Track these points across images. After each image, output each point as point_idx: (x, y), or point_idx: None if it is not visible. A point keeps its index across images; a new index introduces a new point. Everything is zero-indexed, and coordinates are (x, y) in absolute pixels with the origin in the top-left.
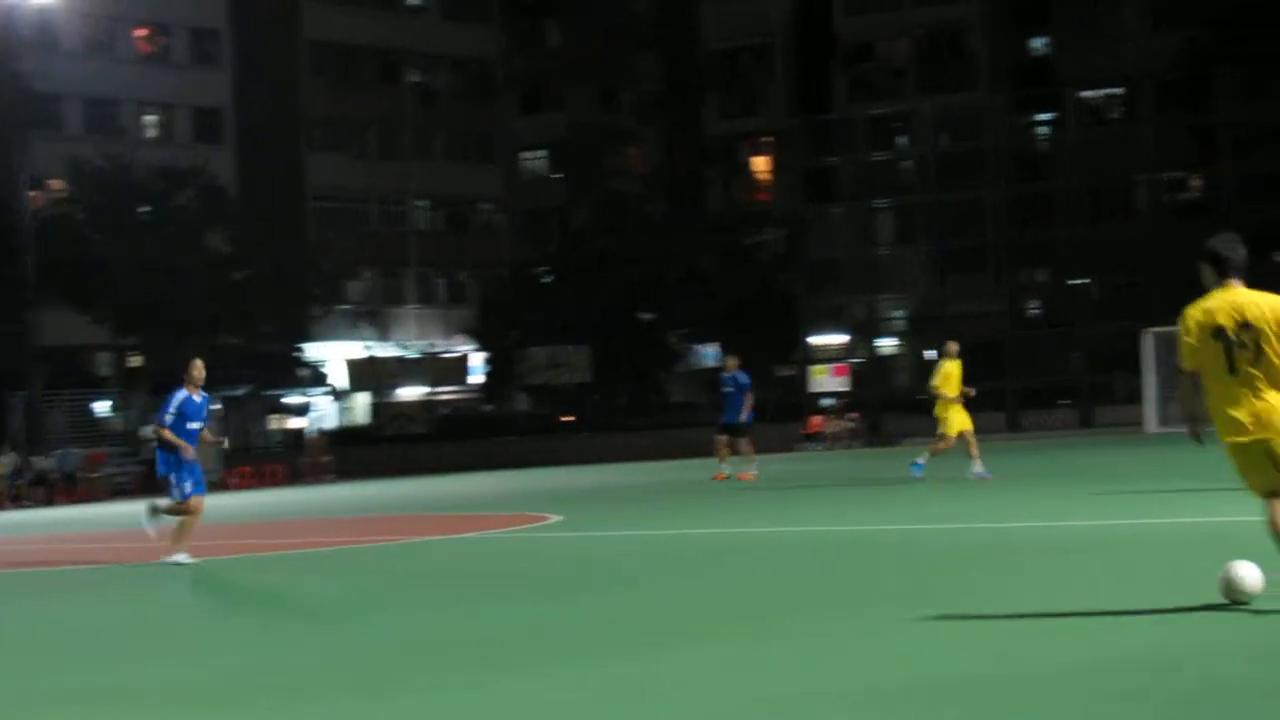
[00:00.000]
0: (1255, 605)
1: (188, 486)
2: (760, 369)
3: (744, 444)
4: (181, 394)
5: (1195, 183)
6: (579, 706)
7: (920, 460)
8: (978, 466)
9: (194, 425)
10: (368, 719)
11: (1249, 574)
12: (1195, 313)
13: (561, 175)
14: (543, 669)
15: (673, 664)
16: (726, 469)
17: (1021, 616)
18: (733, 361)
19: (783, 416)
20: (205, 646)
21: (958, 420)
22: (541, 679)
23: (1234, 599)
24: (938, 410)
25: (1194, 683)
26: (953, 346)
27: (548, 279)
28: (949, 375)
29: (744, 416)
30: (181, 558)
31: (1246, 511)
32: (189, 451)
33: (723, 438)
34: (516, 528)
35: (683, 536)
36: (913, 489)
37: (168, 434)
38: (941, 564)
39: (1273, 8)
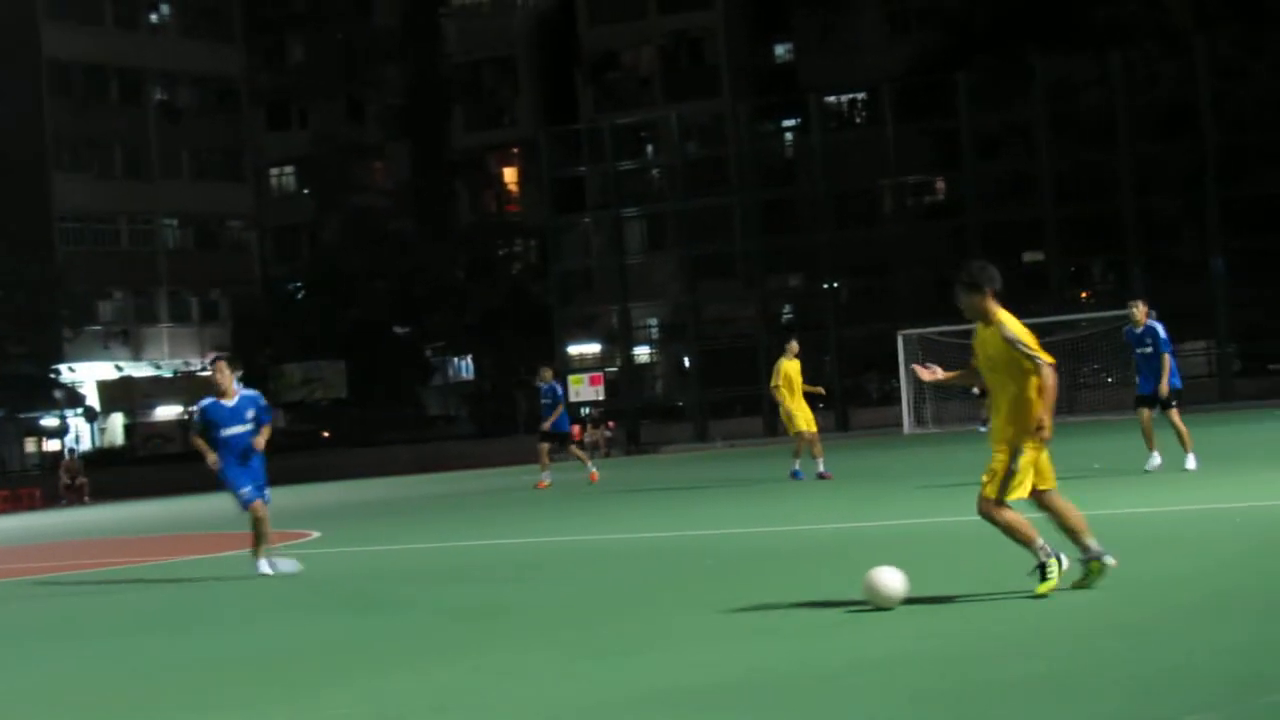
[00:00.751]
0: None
1: (246, 492)
2: (517, 381)
3: (562, 450)
4: (207, 402)
5: (939, 185)
6: None
7: (796, 465)
8: (819, 465)
9: (230, 431)
10: None
11: (888, 580)
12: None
13: (309, 191)
14: (309, 689)
15: (435, 679)
16: (548, 477)
17: (806, 612)
18: (548, 373)
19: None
20: None
21: (802, 417)
22: (307, 699)
23: (876, 605)
24: (781, 411)
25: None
26: (793, 345)
27: (299, 295)
28: (788, 374)
29: (547, 425)
30: (264, 566)
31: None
32: (210, 459)
33: (545, 445)
34: (274, 545)
35: (445, 549)
36: (682, 496)
37: (198, 443)
38: (732, 566)
39: (1005, 12)
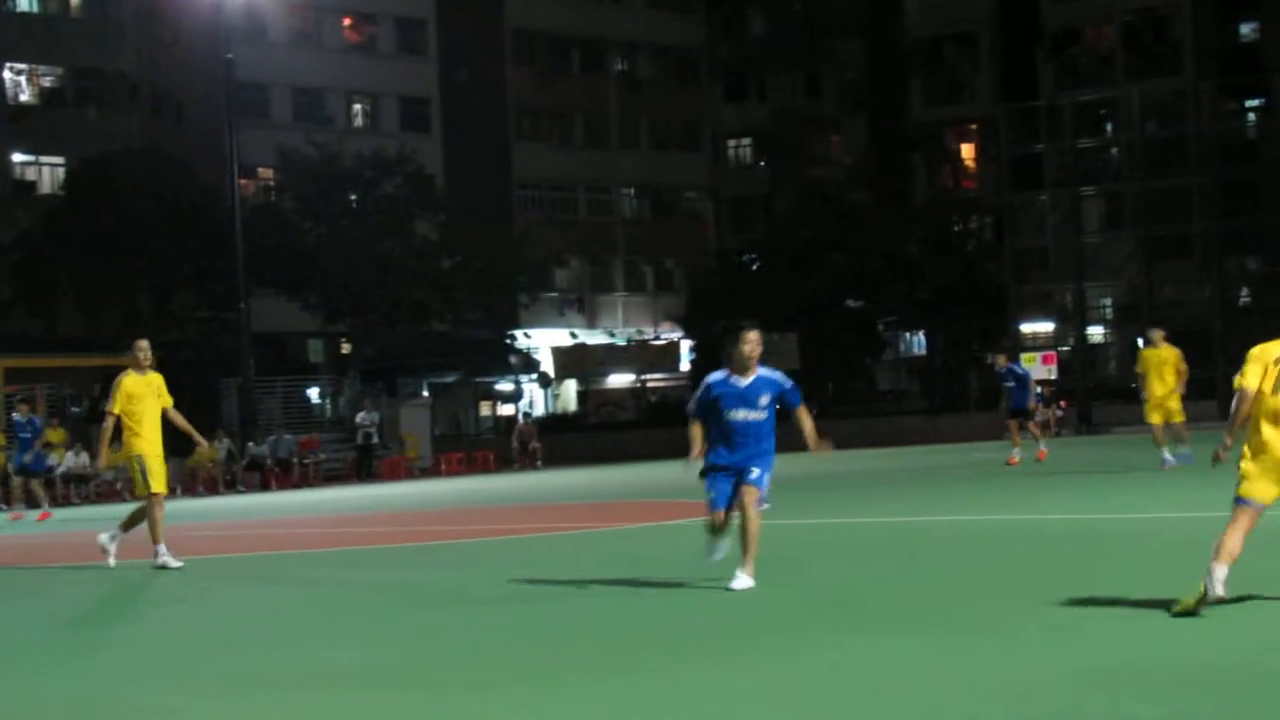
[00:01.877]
0: None
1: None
2: (969, 357)
3: (1032, 426)
4: (716, 377)
5: None
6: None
7: (1183, 450)
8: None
9: (736, 416)
10: (543, 704)
11: None
12: None
13: (765, 163)
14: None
15: (854, 653)
16: (1018, 453)
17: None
18: (1002, 358)
19: (992, 404)
20: (396, 631)
21: (1153, 406)
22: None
23: None
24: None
25: None
26: (1156, 334)
27: (754, 266)
28: (1150, 361)
29: (1031, 403)
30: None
31: None
32: (694, 454)
33: (1012, 422)
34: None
35: (878, 524)
36: (1119, 478)
37: (693, 430)
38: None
39: None
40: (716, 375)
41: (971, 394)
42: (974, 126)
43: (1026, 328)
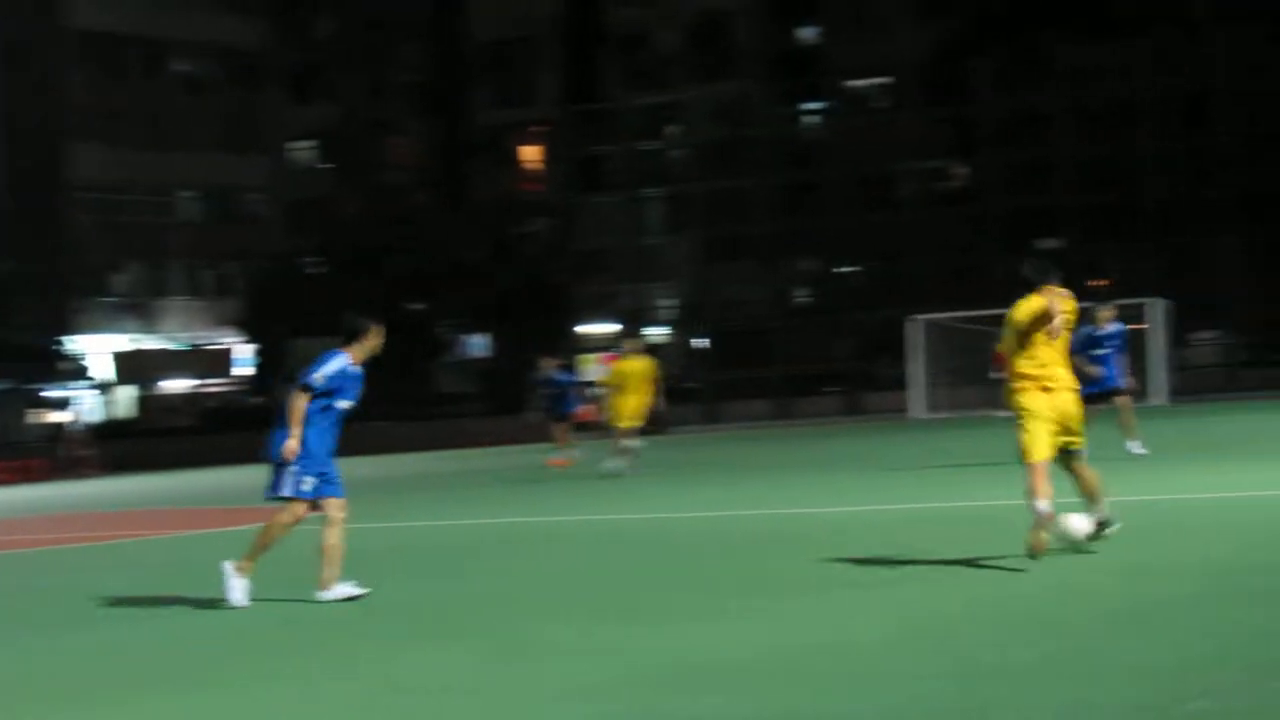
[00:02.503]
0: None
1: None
2: (530, 360)
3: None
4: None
5: (958, 171)
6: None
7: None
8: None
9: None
10: None
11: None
12: None
13: (330, 166)
14: (309, 666)
15: (439, 658)
16: (564, 455)
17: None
18: (551, 363)
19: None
20: None
21: (626, 412)
22: (316, 676)
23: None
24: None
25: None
26: (633, 343)
27: (316, 270)
28: (624, 374)
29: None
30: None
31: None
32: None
33: (559, 426)
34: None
35: (442, 528)
36: (687, 477)
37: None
38: (730, 550)
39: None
40: (345, 356)
41: (534, 395)
42: (538, 129)
43: (589, 329)
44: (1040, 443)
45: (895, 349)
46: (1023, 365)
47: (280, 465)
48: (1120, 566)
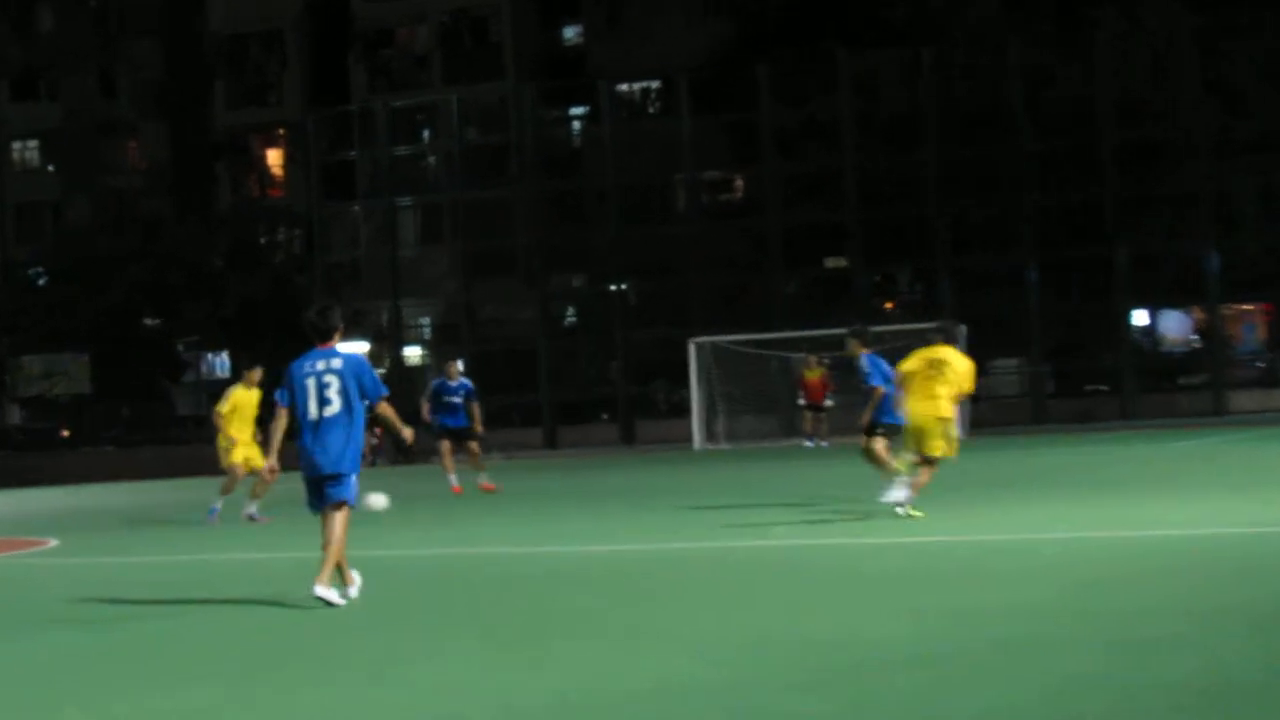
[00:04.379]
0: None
1: None
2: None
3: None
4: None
5: (736, 183)
6: None
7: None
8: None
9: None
10: None
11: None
12: None
13: (55, 168)
14: (46, 709)
15: (154, 710)
16: (455, 479)
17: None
18: (455, 368)
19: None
20: None
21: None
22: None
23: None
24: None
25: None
26: (253, 374)
27: (41, 280)
28: (240, 405)
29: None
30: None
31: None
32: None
33: (446, 443)
34: (7, 554)
35: (193, 563)
36: (435, 510)
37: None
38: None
39: (804, 3)
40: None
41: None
42: (282, 131)
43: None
44: None
45: (673, 373)
46: None
47: (354, 474)
48: (913, 610)
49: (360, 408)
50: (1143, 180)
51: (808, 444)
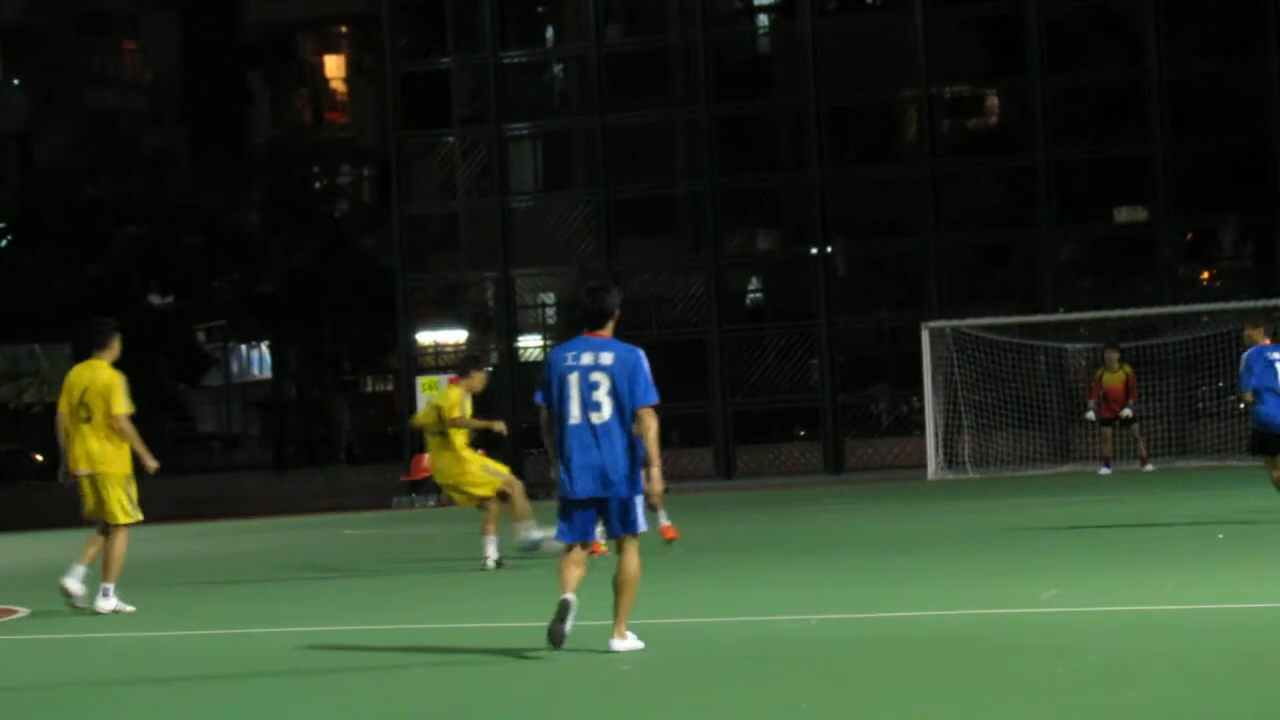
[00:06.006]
0: None
1: None
2: (338, 384)
3: None
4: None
5: (992, 102)
6: None
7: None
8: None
9: None
10: None
11: None
12: None
13: (20, 81)
14: None
15: None
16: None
17: None
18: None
19: (378, 454)
20: None
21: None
22: None
23: None
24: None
25: None
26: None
27: (2, 241)
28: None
29: None
30: None
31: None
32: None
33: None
34: None
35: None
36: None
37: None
38: None
39: None
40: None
41: (343, 438)
42: (343, 29)
43: (427, 337)
44: None
45: (899, 373)
46: None
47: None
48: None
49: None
50: None
51: (1104, 470)
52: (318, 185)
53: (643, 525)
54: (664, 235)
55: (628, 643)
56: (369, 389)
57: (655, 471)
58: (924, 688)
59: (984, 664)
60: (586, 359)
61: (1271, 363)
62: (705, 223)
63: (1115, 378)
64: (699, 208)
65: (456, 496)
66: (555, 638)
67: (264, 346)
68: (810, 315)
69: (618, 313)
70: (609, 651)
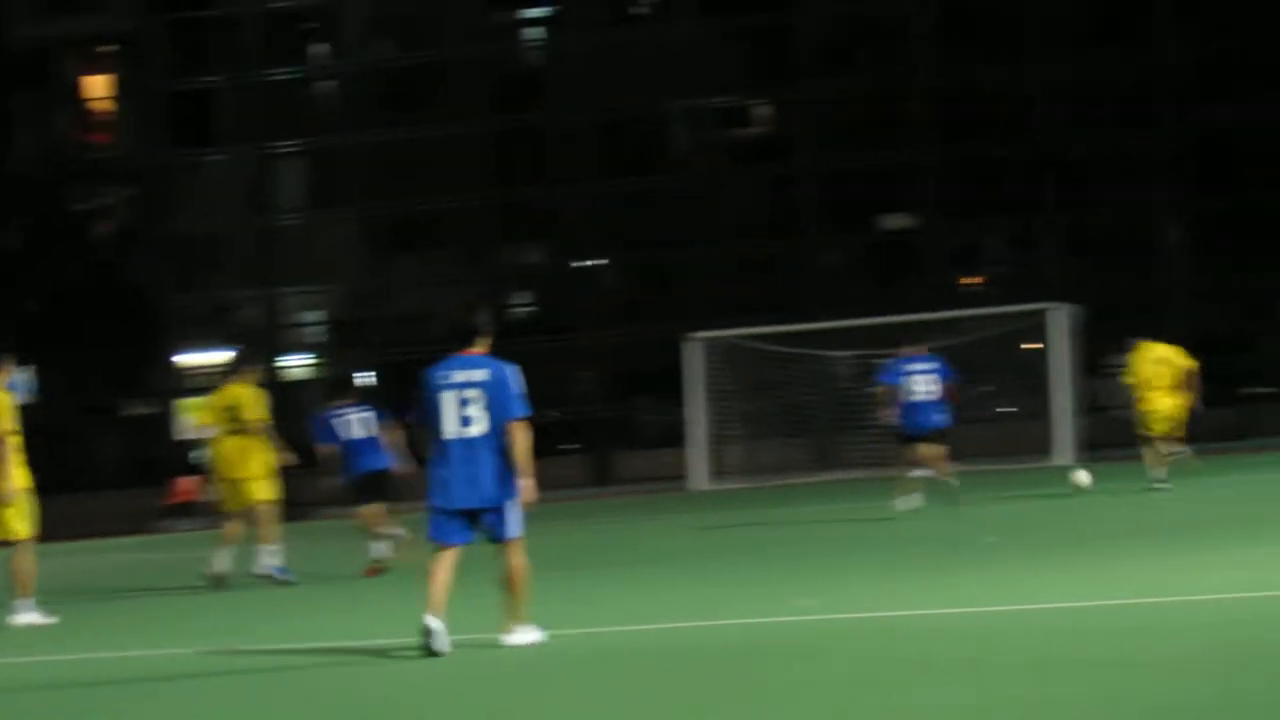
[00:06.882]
0: None
1: None
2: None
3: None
4: None
5: (758, 112)
6: None
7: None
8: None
9: None
10: None
11: None
12: None
13: None
14: None
15: None
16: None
17: None
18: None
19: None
20: None
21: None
22: None
23: None
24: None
25: None
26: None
27: None
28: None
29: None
30: None
31: None
32: None
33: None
34: None
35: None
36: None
37: None
38: None
39: None
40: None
41: (109, 462)
42: (108, 48)
43: (191, 358)
44: None
45: (665, 384)
46: None
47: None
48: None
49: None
50: None
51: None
52: (81, 206)
53: (518, 530)
54: (435, 251)
55: (519, 636)
56: (129, 412)
57: (527, 482)
58: (663, 699)
59: (732, 669)
60: (460, 376)
61: (912, 373)
62: (476, 237)
63: None
64: (469, 223)
65: (232, 497)
66: (433, 652)
67: (29, 372)
68: (578, 328)
69: (490, 330)
70: (500, 646)
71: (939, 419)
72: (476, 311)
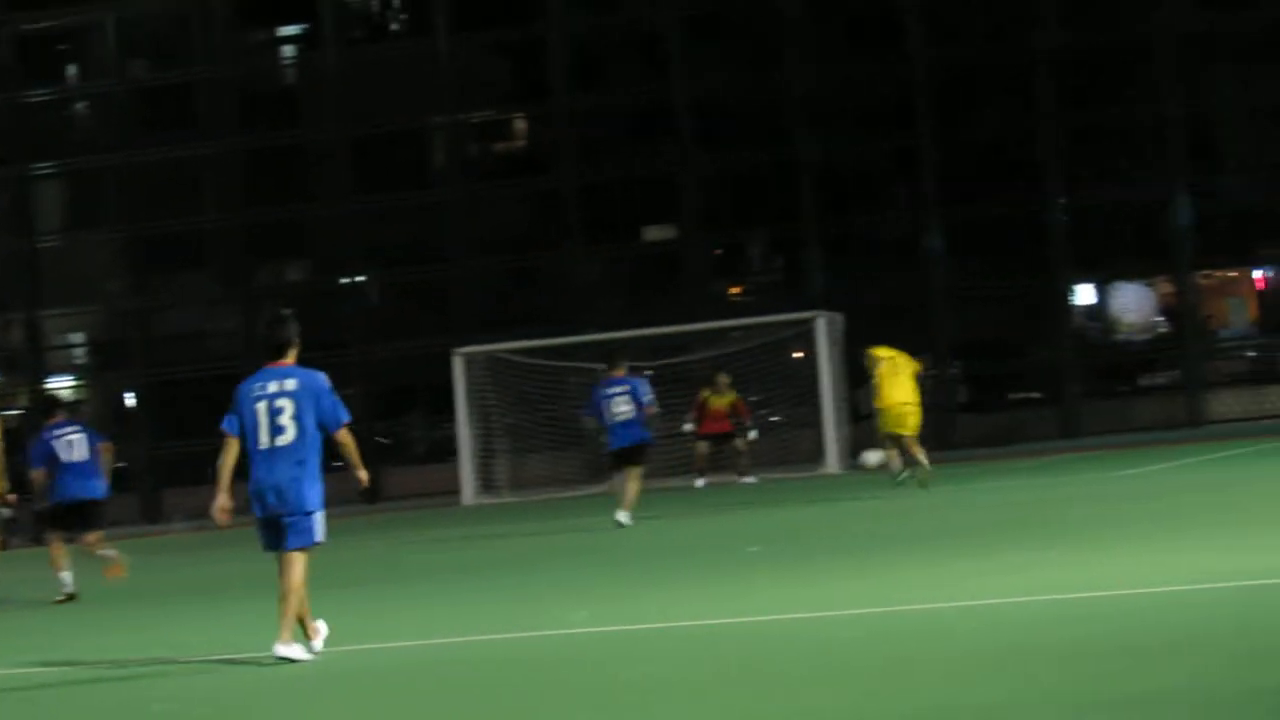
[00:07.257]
0: None
1: None
2: None
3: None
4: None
5: (520, 127)
6: None
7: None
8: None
9: None
10: None
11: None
12: None
13: None
14: None
15: None
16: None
17: None
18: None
19: None
20: None
21: None
22: None
23: None
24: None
25: None
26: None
27: None
28: None
29: None
30: None
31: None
32: None
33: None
34: None
35: None
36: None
37: None
38: None
39: None
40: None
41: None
42: None
43: None
44: None
45: (433, 400)
46: None
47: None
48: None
49: (318, 435)
50: (1089, 103)
51: (700, 483)
52: None
53: (318, 538)
54: (195, 270)
55: (292, 649)
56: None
57: (361, 474)
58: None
59: (491, 684)
60: (272, 387)
61: (610, 396)
62: (236, 256)
63: (723, 400)
64: (229, 241)
65: None
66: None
67: None
68: (344, 345)
69: (297, 342)
70: (277, 658)
71: (638, 435)
72: (285, 324)
